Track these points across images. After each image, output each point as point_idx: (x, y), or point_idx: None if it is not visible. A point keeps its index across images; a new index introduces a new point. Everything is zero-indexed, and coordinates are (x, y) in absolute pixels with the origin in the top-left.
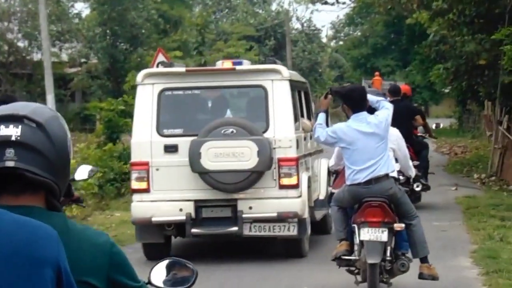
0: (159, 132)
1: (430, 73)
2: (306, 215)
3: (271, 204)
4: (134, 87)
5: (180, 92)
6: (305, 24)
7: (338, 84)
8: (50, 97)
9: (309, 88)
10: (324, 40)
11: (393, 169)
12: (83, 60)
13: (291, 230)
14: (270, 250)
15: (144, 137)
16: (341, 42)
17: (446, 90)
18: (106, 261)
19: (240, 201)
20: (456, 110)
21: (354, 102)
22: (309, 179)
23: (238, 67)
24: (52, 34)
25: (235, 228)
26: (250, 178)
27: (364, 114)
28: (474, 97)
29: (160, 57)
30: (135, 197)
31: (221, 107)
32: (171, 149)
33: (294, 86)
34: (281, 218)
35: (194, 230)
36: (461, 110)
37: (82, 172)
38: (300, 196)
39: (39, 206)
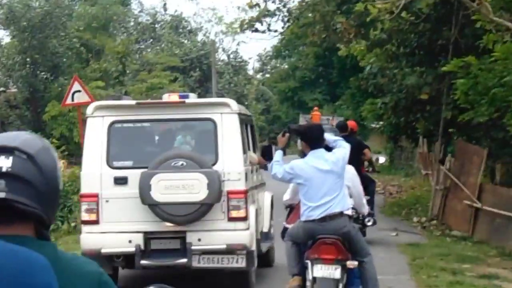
0: (109, 164)
1: (361, 107)
2: (254, 247)
3: (220, 236)
4: (54, 118)
5: (130, 125)
6: (231, 56)
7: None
8: None
9: (253, 121)
10: (251, 72)
11: (348, 207)
12: (1, 89)
13: (240, 262)
14: (218, 282)
15: (94, 169)
16: (267, 75)
17: (374, 125)
18: None
19: (189, 233)
20: (388, 146)
21: (312, 139)
22: (257, 211)
23: (187, 101)
24: None
25: (184, 260)
26: (200, 210)
27: (322, 151)
28: (409, 133)
29: (76, 86)
30: (85, 228)
31: (170, 140)
32: (120, 181)
33: (242, 119)
34: (230, 250)
35: (143, 262)
36: (393, 146)
37: None
38: (248, 229)
39: (30, 236)
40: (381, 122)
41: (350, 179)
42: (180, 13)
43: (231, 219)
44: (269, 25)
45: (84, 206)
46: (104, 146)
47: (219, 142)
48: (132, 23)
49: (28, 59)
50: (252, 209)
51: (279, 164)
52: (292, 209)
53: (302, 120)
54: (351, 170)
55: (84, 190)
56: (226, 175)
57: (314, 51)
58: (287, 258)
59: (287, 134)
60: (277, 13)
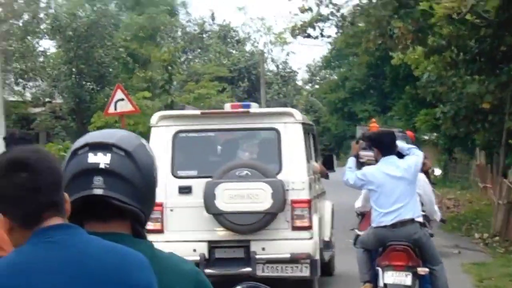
0: (174, 173)
1: (414, 118)
2: (317, 256)
3: (284, 245)
4: (100, 129)
5: (195, 134)
6: (280, 66)
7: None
8: None
9: (315, 131)
10: (300, 83)
11: (419, 214)
12: (47, 99)
13: (304, 271)
14: None
15: (158, 179)
16: (317, 86)
17: (427, 137)
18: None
19: (253, 242)
20: (442, 158)
21: (384, 146)
22: (320, 220)
23: (251, 110)
24: (15, 72)
25: (248, 269)
26: (264, 220)
27: (394, 158)
28: (466, 145)
29: (119, 94)
30: (150, 237)
31: (234, 149)
32: (185, 190)
33: (305, 129)
34: (294, 259)
35: (207, 271)
36: (447, 158)
37: None
38: (312, 238)
39: (126, 234)
40: (435, 134)
41: (422, 186)
42: (228, 22)
43: (295, 228)
44: (322, 30)
45: None
46: (168, 155)
47: (283, 152)
48: (179, 33)
49: (73, 69)
50: (315, 218)
51: (351, 170)
52: (364, 216)
53: (359, 131)
54: (422, 177)
55: None
56: (290, 185)
57: (366, 60)
58: (358, 264)
59: (360, 141)
60: (331, 18)
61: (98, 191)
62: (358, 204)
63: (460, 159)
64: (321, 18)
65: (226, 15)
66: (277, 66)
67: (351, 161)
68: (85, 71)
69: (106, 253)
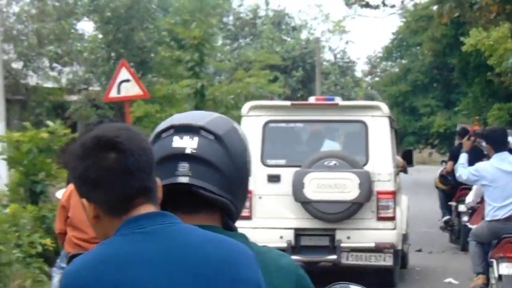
0: (263, 162)
1: (486, 113)
2: (400, 246)
3: (369, 234)
4: (139, 119)
5: (284, 125)
6: (338, 56)
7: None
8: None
9: (396, 126)
10: (359, 74)
11: None
12: (83, 86)
13: (387, 260)
14: (364, 279)
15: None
16: (377, 79)
17: None
18: (293, 284)
19: (339, 231)
20: None
21: (497, 142)
22: (401, 212)
23: (340, 103)
24: (50, 56)
25: (333, 257)
26: (351, 209)
27: (506, 154)
28: None
29: (124, 73)
30: (237, 224)
31: (322, 140)
32: (274, 178)
33: (392, 123)
34: (378, 249)
35: (293, 257)
36: None
37: None
38: (395, 228)
39: (217, 226)
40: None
41: None
42: (283, 8)
43: (380, 219)
44: None
45: None
46: (258, 144)
47: (370, 144)
48: (231, 18)
49: (112, 54)
50: (399, 210)
51: (464, 166)
52: (474, 211)
53: (459, 127)
54: None
55: None
56: (376, 176)
57: (432, 48)
58: (471, 257)
59: (472, 138)
60: None
61: (184, 179)
62: (469, 199)
63: None
64: None
65: (282, 1)
66: (335, 56)
67: (463, 157)
68: (124, 56)
69: (209, 244)
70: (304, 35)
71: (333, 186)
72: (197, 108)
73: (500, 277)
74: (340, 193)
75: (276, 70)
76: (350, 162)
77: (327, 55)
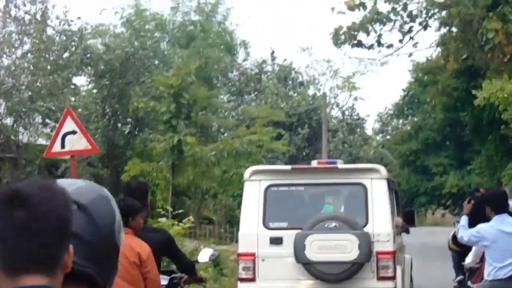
0: (265, 225)
1: (501, 173)
2: None
3: None
4: (134, 178)
5: (285, 188)
6: (346, 113)
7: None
8: None
9: (397, 187)
10: (369, 132)
11: None
12: None
13: None
14: None
15: (251, 230)
16: (388, 137)
17: None
18: None
19: None
20: None
21: (497, 204)
22: (403, 271)
23: (340, 166)
24: (42, 112)
25: None
26: (351, 269)
27: (506, 215)
28: None
29: (69, 124)
30: (242, 285)
31: (322, 203)
32: (276, 241)
33: (389, 184)
34: None
35: None
36: None
37: (204, 255)
38: (395, 287)
39: None
40: None
41: None
42: (290, 62)
43: (380, 278)
44: (379, 36)
45: (241, 265)
46: (260, 208)
47: (369, 206)
48: (236, 73)
49: (107, 109)
50: (399, 269)
51: (465, 228)
52: (474, 271)
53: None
54: None
55: (241, 249)
56: (375, 237)
57: (443, 101)
58: None
59: (472, 201)
60: (393, 17)
61: None
62: (469, 260)
63: None
64: (378, 18)
65: (289, 56)
66: (343, 113)
67: (464, 219)
68: (119, 112)
69: None
70: (311, 91)
71: (334, 247)
72: (173, 165)
73: None
74: (341, 254)
75: (281, 127)
76: (349, 223)
77: (335, 112)
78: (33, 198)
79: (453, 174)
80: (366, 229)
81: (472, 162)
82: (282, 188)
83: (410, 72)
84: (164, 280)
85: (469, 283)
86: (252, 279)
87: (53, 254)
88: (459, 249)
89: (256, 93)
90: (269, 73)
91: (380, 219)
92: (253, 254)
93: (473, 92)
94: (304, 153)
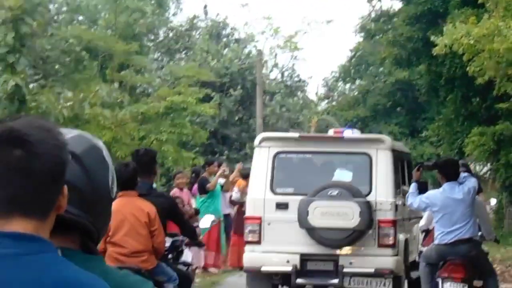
0: (272, 190)
1: (460, 141)
2: (402, 273)
3: (370, 260)
4: None
5: (293, 156)
6: (286, 74)
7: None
8: None
9: (411, 158)
10: (312, 96)
11: (476, 233)
12: None
13: (387, 286)
14: None
15: (258, 195)
16: (334, 103)
17: (480, 168)
18: None
19: (342, 257)
20: (501, 197)
21: (448, 173)
22: (407, 240)
23: (346, 136)
24: None
25: (336, 281)
26: (352, 236)
27: (455, 183)
28: None
29: None
30: (248, 248)
31: (329, 170)
32: (282, 206)
33: (397, 155)
34: (378, 274)
35: (299, 280)
36: (509, 198)
37: (205, 221)
38: (397, 255)
39: (74, 249)
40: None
41: (479, 209)
42: (224, 18)
43: (380, 246)
44: None
45: (248, 228)
46: (269, 174)
47: (373, 175)
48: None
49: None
50: (402, 238)
51: (414, 195)
52: (427, 233)
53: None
54: (479, 201)
55: (249, 213)
56: (378, 205)
57: (394, 54)
58: (421, 276)
59: (421, 169)
60: None
61: None
62: (422, 222)
63: None
64: None
65: (226, 13)
66: (282, 74)
67: (413, 186)
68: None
69: None
70: (248, 50)
71: (336, 214)
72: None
73: None
74: (342, 221)
75: (211, 88)
76: (352, 191)
77: (274, 74)
78: (31, 137)
79: (404, 143)
80: (369, 197)
81: (425, 130)
82: (290, 155)
83: (357, 30)
84: (167, 242)
85: (420, 246)
86: (258, 242)
87: (48, 195)
88: None
89: (186, 51)
90: (200, 30)
91: (383, 188)
92: (259, 218)
93: (432, 38)
94: (237, 118)
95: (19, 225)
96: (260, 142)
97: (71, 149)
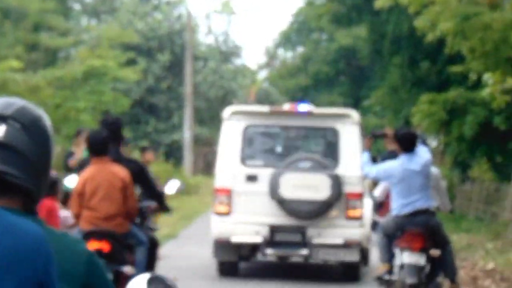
0: (242, 163)
1: (409, 109)
2: (366, 244)
3: (338, 232)
4: None
5: (262, 129)
6: (220, 39)
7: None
8: None
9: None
10: (251, 65)
11: (433, 204)
12: None
13: (354, 256)
14: (329, 274)
15: (228, 167)
16: (275, 72)
17: (434, 143)
18: (83, 268)
19: (310, 228)
20: (450, 175)
21: (406, 143)
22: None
23: (314, 111)
24: None
25: (305, 251)
26: (322, 208)
27: (414, 154)
28: (497, 157)
29: None
30: (217, 218)
31: (297, 144)
32: (251, 178)
33: (362, 129)
34: (347, 245)
35: (269, 251)
36: (459, 176)
37: (171, 187)
38: (363, 227)
39: (17, 209)
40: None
41: (435, 179)
42: None
43: (348, 218)
44: None
45: (218, 199)
46: (238, 146)
47: (340, 149)
48: None
49: None
50: (366, 211)
51: (369, 164)
52: (382, 204)
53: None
54: (435, 172)
55: (218, 185)
56: (346, 179)
57: (333, 11)
58: (379, 247)
59: (372, 138)
60: None
61: None
62: (377, 193)
63: (482, 180)
64: None
65: None
66: (216, 39)
67: (366, 156)
68: None
69: (7, 235)
70: (178, 12)
71: (306, 186)
72: None
73: (402, 265)
74: (313, 193)
75: (136, 52)
76: (323, 165)
77: (209, 40)
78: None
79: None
80: (336, 171)
81: (368, 99)
82: (259, 129)
83: None
84: None
85: (375, 216)
86: (228, 213)
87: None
88: None
89: (113, 13)
90: None
91: (351, 162)
92: (229, 190)
93: None
94: (166, 85)
95: None
96: (230, 115)
97: (22, 120)
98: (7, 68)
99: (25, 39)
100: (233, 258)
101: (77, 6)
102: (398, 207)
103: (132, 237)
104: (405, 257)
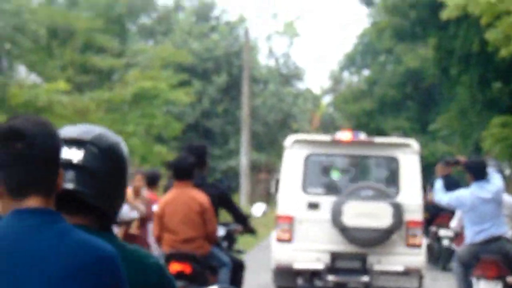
0: (304, 190)
1: (479, 133)
2: (425, 271)
3: (399, 259)
4: None
5: (324, 158)
6: (281, 61)
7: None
8: None
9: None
10: (313, 88)
11: (506, 231)
12: None
13: (413, 283)
14: None
15: (290, 194)
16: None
17: (508, 171)
18: (155, 280)
19: (371, 255)
20: None
21: (477, 172)
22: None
23: (376, 140)
24: None
25: (366, 278)
26: (384, 236)
27: (484, 182)
28: None
29: None
30: (279, 245)
31: (358, 173)
32: (313, 206)
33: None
34: (407, 272)
35: (329, 278)
36: None
37: (258, 210)
38: (422, 255)
39: (89, 226)
40: None
41: (508, 207)
42: None
43: (409, 245)
44: None
45: (280, 226)
46: (300, 174)
47: (401, 178)
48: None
49: None
50: (424, 238)
51: (443, 191)
52: (458, 234)
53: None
54: (509, 200)
55: (280, 212)
56: (406, 207)
57: (394, 24)
58: (456, 276)
59: (445, 167)
60: None
61: (69, 185)
62: (453, 223)
63: None
64: None
65: None
66: (277, 61)
67: (440, 182)
68: None
69: (78, 250)
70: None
71: (369, 214)
72: None
73: None
74: (375, 221)
75: (191, 73)
76: (384, 193)
77: (269, 61)
78: (28, 131)
79: (415, 139)
80: (397, 199)
81: (435, 121)
82: (321, 157)
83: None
84: (221, 231)
85: (453, 245)
86: (289, 240)
87: (49, 176)
88: (426, 216)
89: (168, 34)
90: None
91: (411, 191)
92: (291, 217)
93: None
94: (222, 108)
95: (32, 202)
96: (292, 144)
97: (100, 145)
98: (54, 89)
99: (73, 59)
100: (292, 285)
101: (133, 28)
102: (471, 234)
103: (213, 259)
104: (481, 286)
